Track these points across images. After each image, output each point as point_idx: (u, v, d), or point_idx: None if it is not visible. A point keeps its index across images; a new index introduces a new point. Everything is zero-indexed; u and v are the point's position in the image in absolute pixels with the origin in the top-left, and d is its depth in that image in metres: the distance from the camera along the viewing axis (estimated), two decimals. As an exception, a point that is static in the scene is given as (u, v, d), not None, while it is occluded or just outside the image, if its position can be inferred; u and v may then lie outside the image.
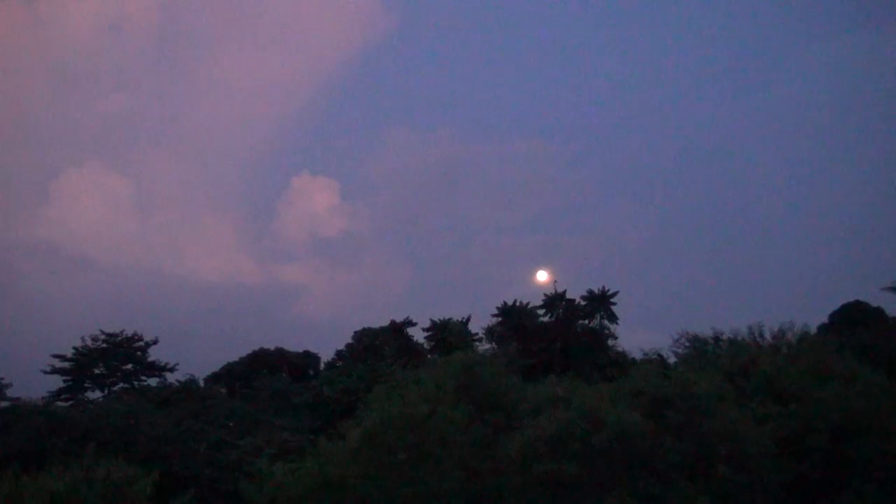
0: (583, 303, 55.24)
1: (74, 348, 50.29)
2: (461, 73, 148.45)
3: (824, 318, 49.80)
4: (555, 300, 55.48)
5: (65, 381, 49.94)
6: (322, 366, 59.15)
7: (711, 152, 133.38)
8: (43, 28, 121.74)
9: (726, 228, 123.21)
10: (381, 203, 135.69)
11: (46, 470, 24.20)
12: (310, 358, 60.70)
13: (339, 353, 56.62)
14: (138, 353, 52.19)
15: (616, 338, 53.95)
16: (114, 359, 51.30)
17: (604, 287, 55.58)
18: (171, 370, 52.90)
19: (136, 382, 51.84)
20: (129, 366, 52.05)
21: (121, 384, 51.47)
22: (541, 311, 56.34)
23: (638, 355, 47.89)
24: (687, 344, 44.43)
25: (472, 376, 27.00)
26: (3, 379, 42.45)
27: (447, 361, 29.11)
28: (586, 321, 54.78)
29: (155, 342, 52.69)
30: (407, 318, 56.12)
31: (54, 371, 49.61)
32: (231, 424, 42.13)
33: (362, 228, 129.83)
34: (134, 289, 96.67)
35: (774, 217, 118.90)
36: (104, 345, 51.02)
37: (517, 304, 56.95)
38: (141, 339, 52.29)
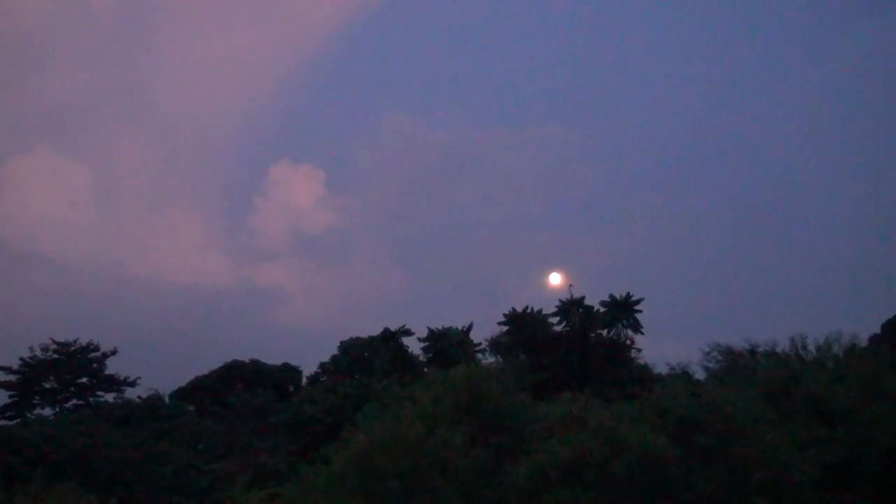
0: (602, 310, 55.38)
1: (21, 359, 50.56)
2: (466, 48, 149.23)
3: (876, 329, 49.99)
4: (570, 306, 55.59)
5: (10, 396, 50.20)
6: (304, 380, 59.41)
7: (751, 139, 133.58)
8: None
9: (765, 227, 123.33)
10: (373, 195, 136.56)
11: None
12: (290, 371, 61.00)
13: (323, 366, 56.85)
14: (94, 364, 52.44)
15: (639, 349, 54.18)
16: (66, 371, 51.55)
17: (627, 292, 55.76)
18: (132, 384, 53.23)
19: (91, 398, 52.04)
20: (84, 379, 52.35)
21: (74, 400, 51.70)
22: (554, 319, 56.51)
23: (663, 370, 48.14)
24: (719, 357, 44.67)
25: (476, 393, 27.16)
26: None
27: (447, 376, 29.23)
28: (606, 331, 54.91)
29: (114, 353, 52.96)
30: (402, 326, 56.36)
31: (-2, 385, 49.84)
32: (200, 447, 42.31)
33: (351, 224, 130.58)
34: (90, 291, 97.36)
35: (820, 215, 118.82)
36: (55, 355, 51.26)
37: (527, 310, 57.13)
38: (97, 348, 52.54)
